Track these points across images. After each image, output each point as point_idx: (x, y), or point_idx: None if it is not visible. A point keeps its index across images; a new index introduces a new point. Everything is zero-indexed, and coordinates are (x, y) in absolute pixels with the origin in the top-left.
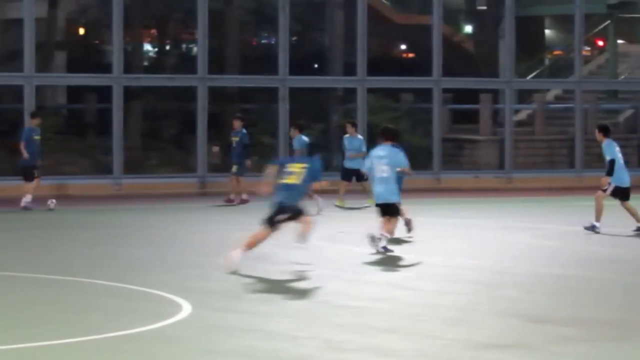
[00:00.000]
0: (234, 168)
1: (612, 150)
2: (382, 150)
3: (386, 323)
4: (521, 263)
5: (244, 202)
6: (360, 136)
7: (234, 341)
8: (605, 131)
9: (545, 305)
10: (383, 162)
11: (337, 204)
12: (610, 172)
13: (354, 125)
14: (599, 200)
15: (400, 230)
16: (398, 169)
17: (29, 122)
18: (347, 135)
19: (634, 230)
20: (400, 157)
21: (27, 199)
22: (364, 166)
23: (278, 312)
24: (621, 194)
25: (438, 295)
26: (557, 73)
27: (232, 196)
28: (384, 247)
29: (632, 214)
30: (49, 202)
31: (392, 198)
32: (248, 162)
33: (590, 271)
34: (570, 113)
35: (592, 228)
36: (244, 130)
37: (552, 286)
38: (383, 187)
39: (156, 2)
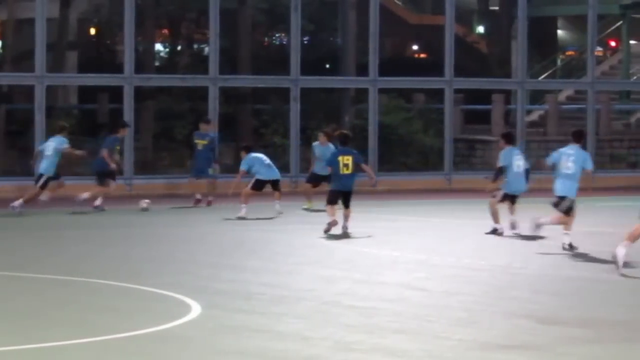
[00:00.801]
0: (210, 170)
1: (507, 158)
2: (571, 149)
3: (395, 324)
4: (530, 264)
5: (198, 202)
6: (331, 145)
7: (244, 342)
8: (507, 138)
9: (553, 306)
10: (571, 159)
11: (306, 207)
12: (495, 178)
13: (327, 135)
14: (492, 205)
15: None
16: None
17: (120, 132)
18: (317, 143)
19: (488, 232)
20: (588, 158)
21: (98, 201)
22: (550, 159)
23: (288, 312)
24: (511, 199)
25: (447, 296)
26: (569, 73)
27: (198, 196)
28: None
29: (493, 213)
30: (143, 202)
31: (570, 193)
32: (216, 166)
33: (599, 272)
34: (583, 114)
35: (493, 232)
36: (212, 134)
37: (560, 287)
38: (563, 182)
39: (168, 2)
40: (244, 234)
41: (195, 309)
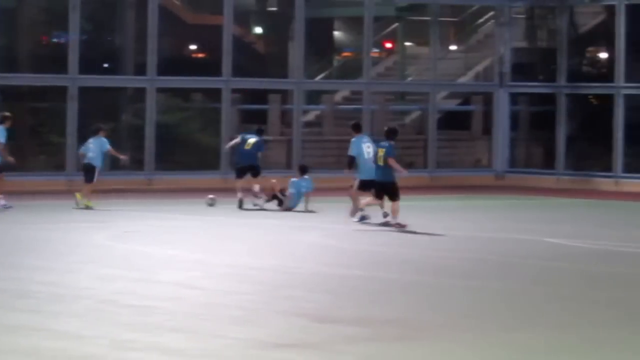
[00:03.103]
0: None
1: (356, 146)
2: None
3: (172, 322)
4: (306, 263)
5: None
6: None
7: (19, 340)
8: (356, 128)
9: (328, 305)
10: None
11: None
12: (348, 167)
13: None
14: (352, 195)
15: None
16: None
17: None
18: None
19: (357, 221)
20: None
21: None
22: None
23: (65, 311)
24: (367, 186)
25: (223, 295)
26: (346, 74)
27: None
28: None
29: (354, 201)
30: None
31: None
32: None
33: (373, 271)
34: (359, 114)
35: (361, 219)
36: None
37: (335, 286)
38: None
39: None
40: (24, 233)
41: None
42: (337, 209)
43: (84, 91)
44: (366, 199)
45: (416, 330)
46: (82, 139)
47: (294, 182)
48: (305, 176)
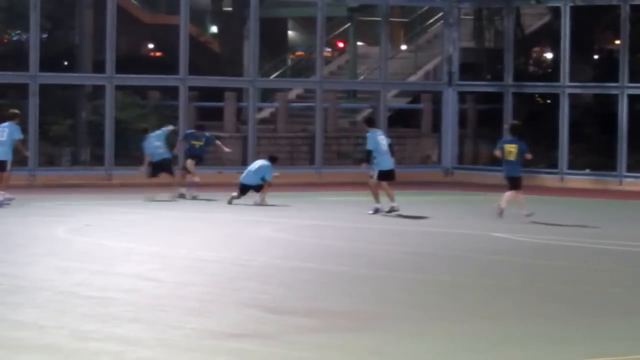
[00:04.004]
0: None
1: (372, 140)
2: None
3: (130, 313)
4: (259, 256)
5: None
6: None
7: None
8: (370, 123)
9: (281, 297)
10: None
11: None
12: (367, 161)
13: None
14: (371, 186)
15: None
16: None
17: None
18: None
19: (371, 213)
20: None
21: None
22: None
23: (25, 302)
24: (386, 176)
25: (180, 287)
26: (299, 73)
27: None
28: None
29: (388, 194)
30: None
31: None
32: None
33: (325, 264)
34: (311, 111)
35: (375, 211)
36: None
37: (288, 278)
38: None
39: None
40: None
41: None
42: (288, 204)
43: (44, 88)
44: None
45: (366, 321)
46: (43, 135)
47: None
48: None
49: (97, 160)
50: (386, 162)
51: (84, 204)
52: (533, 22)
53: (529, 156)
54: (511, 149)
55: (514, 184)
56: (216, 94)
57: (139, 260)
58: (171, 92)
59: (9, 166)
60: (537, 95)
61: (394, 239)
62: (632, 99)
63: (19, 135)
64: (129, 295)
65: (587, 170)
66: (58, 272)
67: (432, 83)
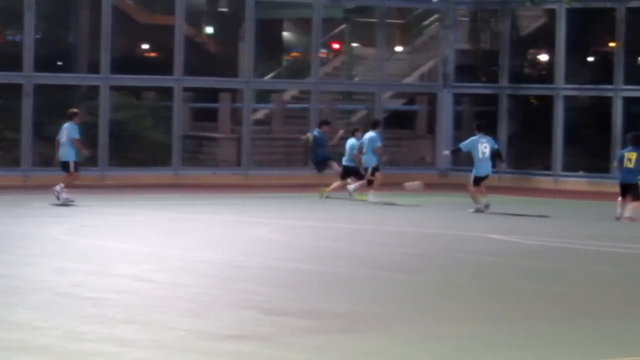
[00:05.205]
0: None
1: (472, 145)
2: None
3: (125, 314)
4: (255, 257)
5: None
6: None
7: None
8: (478, 127)
9: (277, 298)
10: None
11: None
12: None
13: None
14: (469, 190)
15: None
16: None
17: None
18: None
19: (472, 211)
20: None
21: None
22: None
23: (21, 303)
24: (481, 180)
25: (175, 288)
26: (295, 74)
27: None
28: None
29: (472, 196)
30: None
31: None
32: None
33: (320, 265)
34: (307, 113)
35: (477, 211)
36: None
37: (284, 279)
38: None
39: None
40: None
41: None
42: (284, 205)
43: (38, 88)
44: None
45: (362, 323)
46: (37, 135)
47: None
48: None
49: (91, 160)
50: (483, 168)
51: (80, 205)
52: (529, 24)
53: None
54: (631, 157)
55: (634, 191)
56: (211, 94)
57: (134, 261)
58: (166, 93)
59: (72, 167)
60: (532, 97)
61: (390, 240)
62: (627, 101)
63: (75, 135)
64: (124, 297)
65: (581, 172)
66: (53, 273)
67: (428, 85)
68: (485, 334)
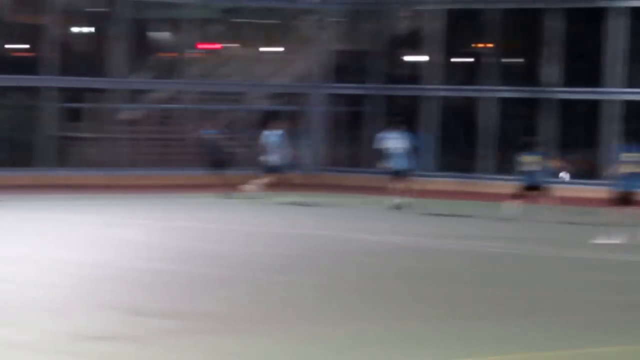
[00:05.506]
0: None
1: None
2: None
3: None
4: (122, 257)
5: None
6: None
7: None
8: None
9: (144, 298)
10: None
11: None
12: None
13: None
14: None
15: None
16: None
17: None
18: None
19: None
20: None
21: None
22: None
23: None
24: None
25: (41, 288)
26: (168, 74)
27: None
28: None
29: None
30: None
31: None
32: None
33: (188, 266)
34: (182, 112)
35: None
36: None
37: (150, 280)
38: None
39: None
40: None
41: None
42: (154, 205)
43: None
44: None
45: (230, 323)
46: None
47: None
48: None
49: None
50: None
51: None
52: (404, 26)
53: None
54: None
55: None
56: (82, 95)
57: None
58: (34, 93)
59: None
60: (402, 98)
61: (258, 241)
62: (502, 102)
63: None
64: None
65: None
66: None
67: (301, 85)
68: (356, 334)
